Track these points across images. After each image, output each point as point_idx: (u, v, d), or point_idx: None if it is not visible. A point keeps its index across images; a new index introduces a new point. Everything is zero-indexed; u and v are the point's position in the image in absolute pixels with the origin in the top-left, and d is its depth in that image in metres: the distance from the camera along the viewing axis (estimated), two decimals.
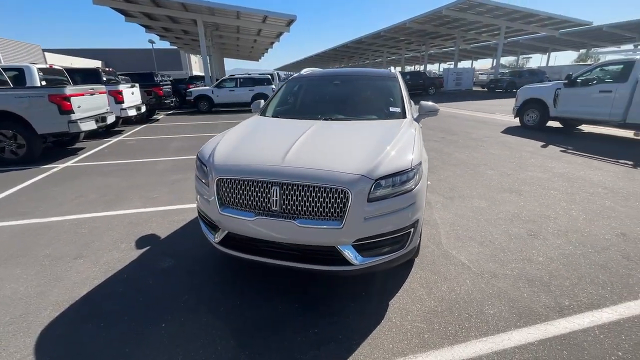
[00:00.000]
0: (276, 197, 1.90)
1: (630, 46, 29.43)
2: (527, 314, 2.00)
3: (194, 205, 3.67)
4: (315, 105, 3.35)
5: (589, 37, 30.27)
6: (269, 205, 1.93)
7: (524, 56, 49.68)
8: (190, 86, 16.39)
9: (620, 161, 5.36)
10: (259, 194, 1.95)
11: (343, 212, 1.84)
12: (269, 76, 15.44)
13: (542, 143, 6.80)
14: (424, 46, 34.27)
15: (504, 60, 50.92)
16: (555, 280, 2.34)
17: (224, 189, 2.07)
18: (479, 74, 35.35)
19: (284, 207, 1.91)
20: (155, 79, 13.25)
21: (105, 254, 2.85)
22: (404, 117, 2.90)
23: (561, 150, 6.16)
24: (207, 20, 17.82)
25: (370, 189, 1.84)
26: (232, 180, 2.02)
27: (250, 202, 1.99)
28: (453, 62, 30.45)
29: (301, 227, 1.85)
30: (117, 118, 8.48)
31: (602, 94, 6.89)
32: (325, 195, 1.85)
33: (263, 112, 3.34)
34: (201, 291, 2.32)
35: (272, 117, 3.21)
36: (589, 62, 36.82)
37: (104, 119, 7.10)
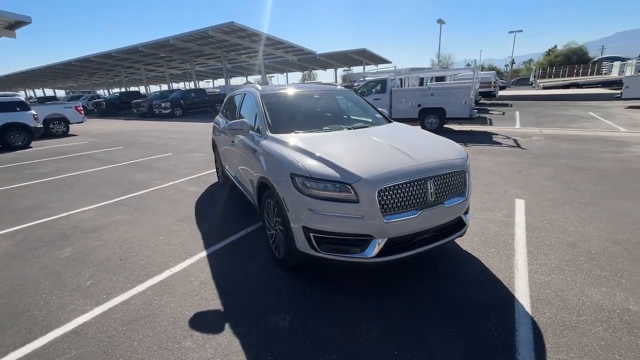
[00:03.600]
0: (432, 189, 2.42)
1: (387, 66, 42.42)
2: None
3: None
4: (321, 118, 3.71)
5: (310, 62, 41.22)
6: (426, 198, 2.40)
7: (269, 75, 60.02)
8: None
9: None
10: (418, 191, 2.38)
11: (465, 187, 2.66)
12: (21, 99, 10.91)
13: None
14: (187, 63, 34.19)
15: (252, 78, 59.16)
16: None
17: (386, 198, 2.28)
18: None
19: (436, 196, 2.47)
20: None
21: None
22: (390, 120, 3.90)
23: None
24: None
25: (469, 166, 2.76)
26: (393, 187, 2.29)
27: (411, 201, 2.36)
28: (223, 79, 32.48)
29: (448, 207, 2.50)
30: None
31: (375, 100, 10.68)
32: (455, 177, 2.59)
33: (273, 131, 3.22)
34: None
35: (292, 133, 3.17)
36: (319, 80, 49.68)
37: None
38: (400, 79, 12.24)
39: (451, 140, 3.12)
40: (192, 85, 38.10)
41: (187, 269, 3.02)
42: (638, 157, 6.40)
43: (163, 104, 20.49)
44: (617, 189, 4.61)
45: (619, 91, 19.13)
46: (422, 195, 2.41)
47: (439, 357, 1.94)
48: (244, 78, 51.71)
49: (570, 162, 6.18)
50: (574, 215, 3.84)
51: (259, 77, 67.41)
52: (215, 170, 6.07)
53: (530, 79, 40.06)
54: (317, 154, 2.56)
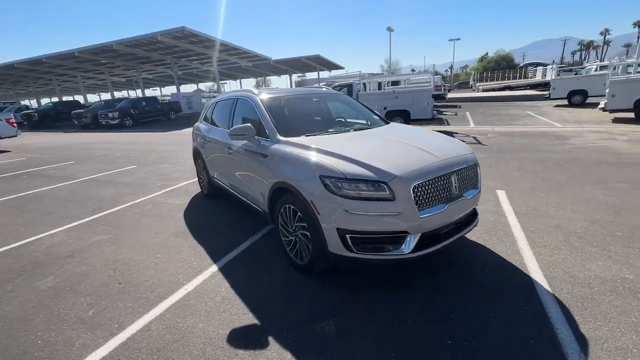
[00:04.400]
0: (456, 182, 2.55)
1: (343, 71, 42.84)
2: None
3: None
4: (324, 120, 3.69)
5: (265, 68, 40.86)
6: (451, 192, 2.52)
7: (222, 82, 58.26)
8: None
9: None
10: (444, 186, 2.49)
11: (477, 180, 2.85)
12: None
13: None
14: (132, 70, 31.93)
15: (203, 86, 56.98)
16: None
17: (420, 194, 2.34)
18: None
19: (459, 189, 2.60)
20: None
21: None
22: (387, 121, 4.00)
23: None
24: None
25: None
26: (425, 183, 2.37)
27: (439, 196, 2.46)
28: (175, 86, 30.78)
29: (468, 199, 2.65)
30: None
31: None
32: (471, 171, 2.76)
33: (283, 135, 3.12)
34: None
35: (303, 136, 3.10)
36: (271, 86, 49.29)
37: None
38: (364, 84, 12.67)
39: (454, 138, 3.32)
40: (139, 93, 35.68)
41: (202, 286, 2.81)
42: (579, 148, 7.33)
43: (110, 114, 18.84)
44: (575, 176, 5.24)
45: (545, 92, 21.73)
46: (448, 189, 2.53)
47: (492, 337, 2.04)
48: (195, 85, 49.57)
49: (528, 155, 6.87)
50: (550, 200, 4.28)
51: (210, 84, 65.16)
52: (197, 180, 5.72)
53: (470, 82, 43.86)
54: (345, 154, 2.55)
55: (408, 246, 2.37)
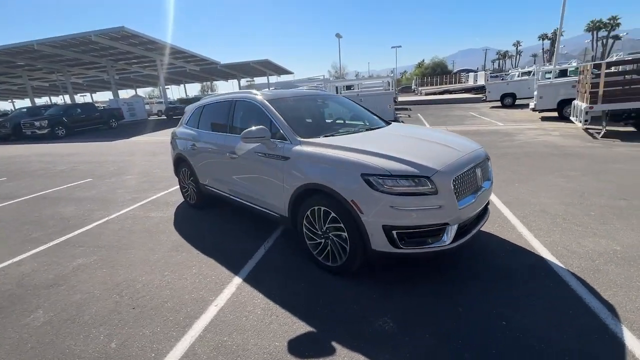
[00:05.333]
0: (480, 174, 2.75)
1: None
2: None
3: None
4: (334, 121, 3.67)
5: (212, 73, 39.28)
6: (477, 183, 2.71)
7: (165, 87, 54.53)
8: None
9: None
10: (472, 178, 2.66)
11: (490, 172, 3.07)
12: None
13: None
14: (58, 74, 28.40)
15: (142, 91, 52.81)
16: None
17: (457, 186, 2.46)
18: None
19: (481, 181, 2.79)
20: None
21: None
22: (389, 122, 4.08)
23: None
24: None
25: None
26: (460, 176, 2.51)
27: (470, 187, 2.62)
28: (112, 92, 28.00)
29: (487, 190, 2.86)
30: None
31: None
32: (486, 164, 2.98)
33: (303, 136, 3.07)
34: None
35: (321, 137, 3.08)
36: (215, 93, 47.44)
37: None
38: (324, 88, 12.90)
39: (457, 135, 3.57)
40: (67, 99, 31.84)
41: (234, 300, 2.61)
42: (526, 143, 8.31)
43: (37, 123, 16.46)
44: (535, 167, 5.94)
45: (480, 95, 24.22)
46: (475, 181, 2.72)
47: (537, 313, 2.22)
48: (133, 91, 45.72)
49: (489, 151, 7.56)
50: (525, 190, 4.79)
51: (149, 89, 60.53)
52: (180, 190, 5.26)
53: (413, 87, 47.14)
54: (381, 152, 2.58)
55: (449, 237, 2.48)
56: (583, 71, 9.20)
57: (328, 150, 2.79)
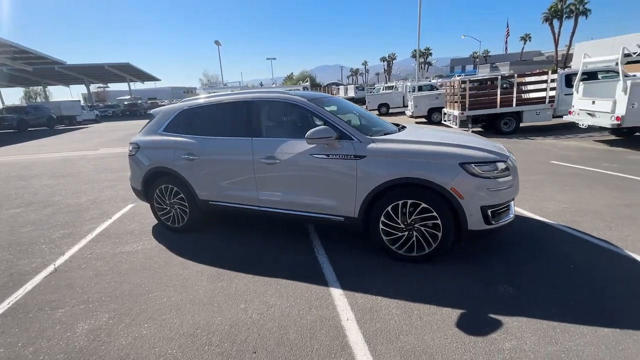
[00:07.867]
0: None
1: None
2: None
3: None
4: (365, 122, 3.82)
5: (51, 75, 30.89)
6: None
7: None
8: None
9: None
10: None
11: None
12: None
13: None
14: None
15: None
16: None
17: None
18: None
19: None
20: None
21: None
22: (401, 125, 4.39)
23: None
24: None
25: None
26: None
27: None
28: None
29: None
30: None
31: None
32: None
33: (368, 134, 3.18)
34: None
35: (382, 135, 3.31)
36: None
37: None
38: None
39: None
40: None
41: (361, 310, 2.41)
42: None
43: None
44: None
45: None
46: None
47: (575, 270, 2.99)
48: None
49: None
50: None
51: None
52: (153, 213, 4.10)
53: None
54: (462, 144, 2.95)
55: (512, 211, 3.04)
56: (451, 85, 12.09)
57: (412, 146, 2.94)
